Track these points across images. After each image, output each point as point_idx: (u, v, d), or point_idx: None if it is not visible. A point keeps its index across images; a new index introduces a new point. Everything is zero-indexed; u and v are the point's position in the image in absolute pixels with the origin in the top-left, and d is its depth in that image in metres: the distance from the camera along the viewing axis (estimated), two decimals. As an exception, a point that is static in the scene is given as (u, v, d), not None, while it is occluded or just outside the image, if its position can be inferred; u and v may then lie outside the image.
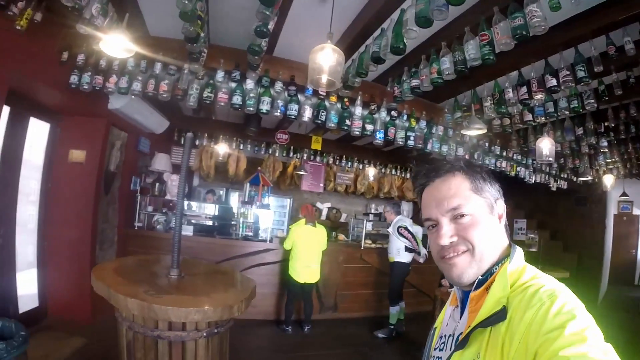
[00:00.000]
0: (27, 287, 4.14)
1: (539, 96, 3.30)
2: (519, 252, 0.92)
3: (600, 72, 2.84)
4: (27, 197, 4.15)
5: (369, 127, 4.20)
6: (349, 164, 7.70)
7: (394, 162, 8.07)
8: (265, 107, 3.78)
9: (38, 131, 4.21)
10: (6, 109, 3.39)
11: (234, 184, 7.84)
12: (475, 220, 0.90)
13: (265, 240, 5.83)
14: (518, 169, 5.45)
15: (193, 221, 6.44)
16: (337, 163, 7.66)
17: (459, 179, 0.94)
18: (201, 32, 3.05)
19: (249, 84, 3.80)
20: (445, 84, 4.03)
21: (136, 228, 5.62)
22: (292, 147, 7.31)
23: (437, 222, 0.93)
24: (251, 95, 3.75)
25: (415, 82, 3.57)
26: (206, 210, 7.39)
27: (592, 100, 3.28)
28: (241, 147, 7.00)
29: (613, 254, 8.04)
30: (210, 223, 6.76)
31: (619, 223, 8.34)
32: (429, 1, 2.37)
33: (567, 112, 3.53)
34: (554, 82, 3.09)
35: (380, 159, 7.94)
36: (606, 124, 3.99)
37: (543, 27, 2.33)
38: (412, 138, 4.43)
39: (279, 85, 3.84)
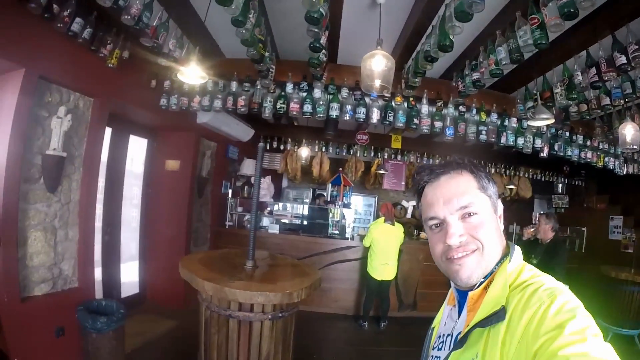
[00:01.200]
0: (129, 276, 4.96)
1: (611, 75, 3.05)
2: (517, 251, 0.92)
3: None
4: (130, 201, 4.97)
5: (438, 124, 4.19)
6: (430, 161, 7.58)
7: (477, 157, 7.73)
8: (334, 112, 4.03)
9: (138, 146, 5.02)
10: (108, 130, 4.08)
11: (320, 185, 8.22)
12: (484, 219, 0.90)
13: (347, 238, 6.13)
14: (606, 159, 4.96)
15: (284, 220, 6.93)
16: (418, 161, 7.63)
17: (466, 177, 0.93)
18: (264, 52, 3.42)
19: (317, 92, 4.08)
20: (514, 73, 3.94)
21: (227, 227, 6.26)
22: (372, 147, 7.47)
23: (444, 221, 0.91)
24: (320, 102, 4.04)
25: (476, 76, 3.57)
26: (294, 210, 7.94)
27: (674, 77, 2.98)
28: (323, 149, 7.39)
29: None
30: (297, 222, 7.26)
31: None
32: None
33: (646, 93, 3.23)
34: (623, 59, 2.85)
35: (462, 154, 7.65)
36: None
37: (590, 2, 2.24)
38: (484, 132, 4.32)
39: (345, 91, 4.05)
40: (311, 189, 8.48)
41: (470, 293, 0.89)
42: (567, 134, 4.70)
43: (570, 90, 3.53)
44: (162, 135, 5.27)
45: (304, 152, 7.10)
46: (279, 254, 4.49)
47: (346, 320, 5.51)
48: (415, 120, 4.15)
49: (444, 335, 1.00)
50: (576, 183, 8.39)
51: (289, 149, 7.42)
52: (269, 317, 2.70)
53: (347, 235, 6.29)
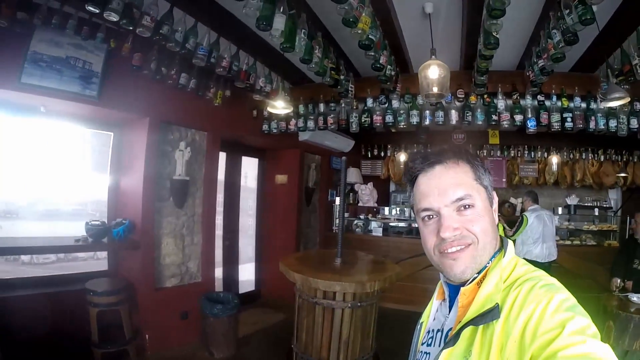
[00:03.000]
0: (246, 275, 5.91)
1: None
2: (510, 245, 0.90)
3: None
4: (246, 212, 5.99)
5: (518, 117, 4.18)
6: (531, 154, 7.16)
7: (584, 145, 7.00)
8: (414, 119, 4.37)
9: (250, 165, 6.02)
10: (223, 154, 5.05)
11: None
12: (480, 212, 0.86)
13: None
14: None
15: (392, 224, 7.21)
16: (519, 155, 7.24)
17: (463, 167, 0.89)
18: (339, 76, 3.86)
19: (395, 103, 4.48)
20: (593, 50, 3.73)
21: (334, 231, 6.80)
22: (471, 145, 7.30)
23: (438, 213, 0.87)
24: (401, 112, 4.42)
25: (541, 63, 3.44)
26: (401, 214, 8.18)
27: None
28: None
29: None
30: (403, 224, 7.41)
31: None
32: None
33: None
34: None
35: (569, 144, 7.00)
36: None
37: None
38: (569, 119, 4.09)
39: (421, 98, 4.23)
40: None
41: (462, 288, 0.87)
42: (671, 109, 4.21)
43: (647, 58, 3.22)
44: (270, 154, 6.20)
45: (403, 157, 7.39)
46: (383, 255, 4.82)
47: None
48: (494, 117, 4.20)
49: (433, 330, 0.97)
50: None
51: (389, 154, 7.81)
52: (349, 305, 3.09)
53: None
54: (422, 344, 1.00)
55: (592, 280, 5.47)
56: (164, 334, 3.96)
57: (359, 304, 3.17)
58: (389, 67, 3.68)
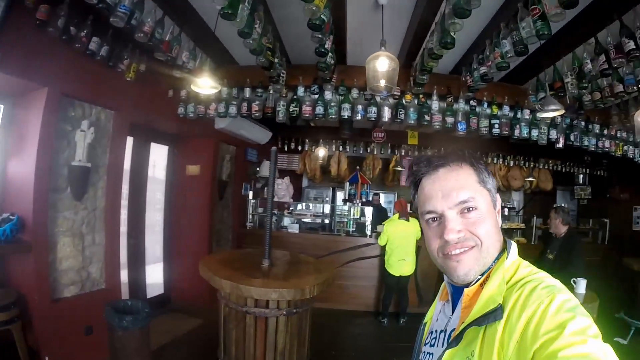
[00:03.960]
0: (154, 278, 5.21)
1: (621, 61, 2.97)
2: (514, 247, 0.89)
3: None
4: (154, 206, 5.24)
5: (449, 119, 4.20)
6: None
7: (496, 150, 7.68)
8: (346, 113, 4.11)
9: (159, 153, 5.25)
10: (130, 139, 4.34)
11: (339, 184, 8.32)
12: (483, 215, 0.87)
13: (365, 236, 6.24)
14: (625, 147, 4.83)
15: (306, 220, 7.09)
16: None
17: (466, 170, 0.90)
18: (273, 59, 3.53)
19: (328, 94, 4.18)
20: (525, 64, 3.90)
21: (248, 227, 6.46)
22: (389, 144, 7.48)
23: (442, 216, 0.87)
24: (332, 104, 4.13)
25: (483, 70, 3.54)
26: (316, 209, 8.06)
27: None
28: (341, 148, 7.48)
29: None
30: (318, 221, 7.41)
31: None
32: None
33: (658, 78, 3.17)
34: (632, 44, 2.78)
35: (481, 149, 7.57)
36: None
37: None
38: (496, 126, 4.28)
39: (355, 92, 4.12)
40: (331, 188, 8.57)
41: (466, 289, 0.87)
42: (583, 123, 4.62)
43: (580, 79, 3.47)
44: (182, 141, 5.50)
45: (322, 152, 7.22)
46: (299, 252, 4.59)
47: (366, 317, 5.61)
48: (427, 117, 4.18)
49: (436, 331, 0.98)
50: (598, 173, 8.11)
51: (306, 149, 7.55)
52: (284, 312, 2.83)
53: (364, 233, 6.39)
54: (425, 344, 1.01)
55: None
56: (66, 354, 3.22)
57: (294, 311, 2.94)
58: (329, 54, 3.41)
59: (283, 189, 6.64)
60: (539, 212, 7.60)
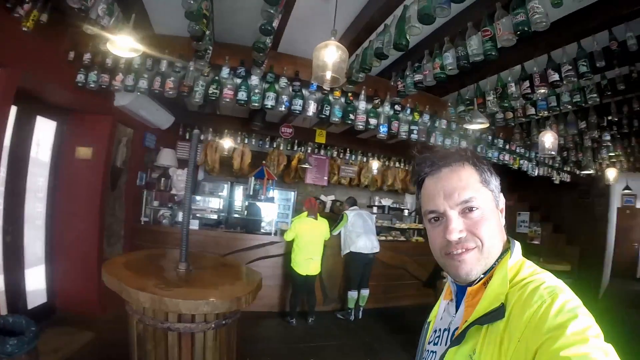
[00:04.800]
0: (35, 283, 4.23)
1: (542, 90, 3.30)
2: (517, 246, 0.90)
3: (602, 66, 2.86)
4: (35, 194, 4.23)
5: (373, 121, 4.20)
6: (353, 157, 7.68)
7: (397, 155, 8.09)
8: (270, 102, 3.81)
9: (45, 129, 4.29)
10: (13, 109, 3.44)
11: (239, 178, 7.90)
12: (485, 215, 0.87)
13: (269, 233, 5.97)
14: (521, 162, 5.46)
15: (211, 216, 6.55)
16: (341, 156, 7.64)
17: (468, 170, 0.90)
18: (206, 30, 3.07)
19: (254, 80, 3.82)
20: (449, 78, 4.08)
21: (142, 223, 5.73)
22: (296, 141, 7.32)
23: (444, 215, 0.88)
24: (256, 91, 3.78)
25: (418, 77, 3.59)
26: (211, 204, 7.57)
27: (595, 95, 3.30)
28: (246, 141, 7.04)
29: (616, 248, 7.91)
30: (214, 216, 7.01)
31: (622, 217, 8.28)
32: (432, -3, 2.41)
33: (569, 107, 3.56)
34: (556, 76, 3.11)
35: (384, 152, 7.94)
36: (609, 117, 3.99)
37: (544, 23, 2.34)
38: (415, 132, 4.45)
39: (283, 81, 3.85)
40: (229, 182, 8.10)
41: (469, 288, 0.88)
42: (490, 137, 5.03)
43: (503, 98, 3.72)
44: (74, 117, 4.55)
45: (227, 143, 6.74)
46: (201, 251, 4.23)
47: (273, 318, 5.38)
48: (351, 116, 4.13)
49: (440, 330, 0.98)
50: None
51: (209, 139, 6.96)
52: (213, 325, 2.49)
53: (268, 230, 6.15)
54: (429, 342, 1.01)
55: (404, 270, 6.61)
56: None
57: (223, 322, 2.60)
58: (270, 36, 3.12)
59: (183, 180, 6.01)
60: None
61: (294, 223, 5.30)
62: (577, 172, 6.52)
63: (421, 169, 0.94)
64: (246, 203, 7.13)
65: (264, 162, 7.13)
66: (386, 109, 4.33)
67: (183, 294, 2.34)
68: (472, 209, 0.86)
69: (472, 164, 0.90)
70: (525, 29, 2.41)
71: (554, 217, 8.64)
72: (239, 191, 8.14)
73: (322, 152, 7.61)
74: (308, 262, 5.13)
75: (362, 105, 4.17)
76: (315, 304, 5.38)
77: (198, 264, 3.18)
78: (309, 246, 5.16)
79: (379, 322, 5.65)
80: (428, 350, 0.99)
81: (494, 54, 2.73)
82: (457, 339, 0.83)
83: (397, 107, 4.37)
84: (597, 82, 3.32)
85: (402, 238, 7.20)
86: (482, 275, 0.86)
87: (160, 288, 2.36)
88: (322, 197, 8.29)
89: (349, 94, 4.14)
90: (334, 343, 4.70)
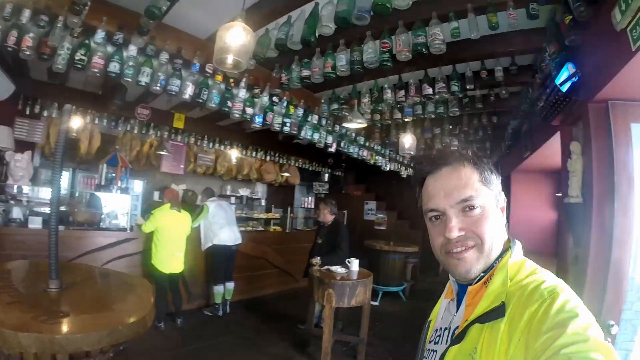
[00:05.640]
0: None
1: (416, 99, 3.70)
2: (518, 245, 0.91)
3: (471, 89, 3.38)
4: None
5: (250, 110, 4.09)
6: (211, 144, 7.19)
7: (255, 144, 7.81)
8: (144, 79, 3.33)
9: None
10: None
11: (83, 164, 6.68)
12: (485, 214, 0.88)
13: (124, 229, 5.21)
14: (377, 157, 6.06)
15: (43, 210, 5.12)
16: (198, 143, 7.06)
17: (468, 169, 0.91)
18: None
19: (132, 50, 3.25)
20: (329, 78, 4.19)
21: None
22: (152, 124, 6.29)
23: (444, 214, 0.89)
24: (130, 63, 3.24)
25: (306, 73, 3.59)
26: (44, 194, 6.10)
27: (456, 109, 3.89)
28: (96, 121, 5.77)
29: None
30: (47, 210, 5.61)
31: None
32: (353, 4, 2.45)
33: (432, 115, 4.09)
34: (430, 90, 3.55)
35: (242, 141, 7.57)
36: (461, 127, 4.75)
37: (441, 49, 2.63)
38: (288, 124, 4.51)
39: (164, 57, 3.39)
40: (71, 169, 6.73)
41: (469, 287, 0.89)
42: (353, 135, 5.42)
43: (377, 102, 4.05)
44: None
45: (76, 122, 5.44)
46: (45, 256, 3.44)
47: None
48: (229, 103, 3.94)
49: (441, 328, 0.99)
50: (337, 173, 9.93)
51: (54, 116, 5.43)
52: (111, 354, 2.04)
53: (123, 226, 5.34)
54: (430, 341, 1.02)
55: (265, 260, 6.65)
56: None
57: (121, 348, 2.17)
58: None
59: (22, 167, 4.76)
60: (280, 204, 8.62)
61: (155, 215, 4.79)
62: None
63: (422, 168, 0.97)
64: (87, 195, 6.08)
65: (117, 147, 6.17)
66: (264, 99, 4.27)
67: (77, 325, 1.86)
68: (472, 208, 0.87)
69: (473, 164, 0.92)
70: (423, 50, 2.67)
71: (398, 206, 9.91)
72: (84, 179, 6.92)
73: (180, 137, 6.79)
74: (171, 259, 4.75)
75: (242, 93, 4.00)
76: (182, 304, 5.04)
77: (67, 277, 2.53)
78: (171, 241, 4.76)
79: (249, 314, 5.63)
80: (429, 350, 1.00)
81: (389, 65, 2.93)
82: (458, 338, 0.84)
83: (275, 98, 4.33)
84: (459, 97, 3.89)
85: (261, 228, 7.23)
86: (482, 274, 0.87)
87: (42, 321, 1.80)
88: (173, 186, 7.62)
89: (231, 80, 3.92)
90: (212, 342, 4.49)
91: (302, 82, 3.68)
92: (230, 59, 2.52)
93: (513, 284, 0.81)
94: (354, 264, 4.31)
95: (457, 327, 0.89)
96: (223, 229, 5.46)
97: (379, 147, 6.03)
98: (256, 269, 6.52)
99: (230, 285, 5.57)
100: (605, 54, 2.10)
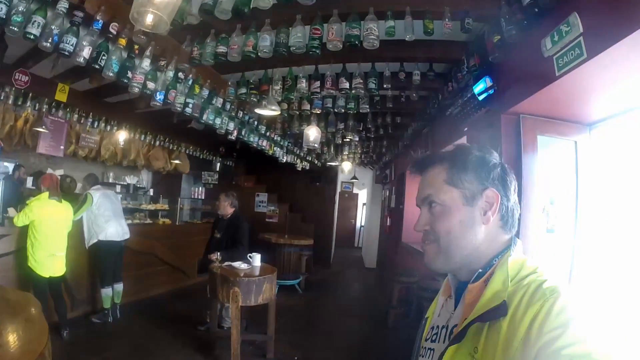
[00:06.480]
0: None
1: (331, 92, 3.74)
2: (519, 244, 0.91)
3: (388, 88, 3.56)
4: None
5: (151, 85, 3.63)
6: (96, 123, 6.11)
7: (145, 126, 6.88)
8: (34, 30, 2.70)
9: None
10: None
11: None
12: (444, 211, 0.91)
13: None
14: (275, 148, 6.00)
15: None
16: (81, 121, 5.94)
17: (437, 170, 0.96)
18: None
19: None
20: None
21: None
22: (30, 94, 5.12)
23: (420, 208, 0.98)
24: (20, 9, 2.63)
25: (222, 49, 3.36)
26: None
27: (367, 106, 4.07)
28: None
29: (338, 223, 10.41)
30: None
31: (342, 199, 11.37)
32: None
33: (342, 110, 4.18)
34: (347, 85, 3.64)
35: (131, 121, 6.58)
36: (365, 124, 4.96)
37: (375, 44, 2.70)
38: (190, 105, 4.15)
39: (62, 5, 2.78)
40: None
41: (469, 285, 0.89)
42: (256, 122, 5.30)
43: (290, 90, 3.97)
44: None
45: None
46: None
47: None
48: (129, 74, 3.45)
49: (438, 326, 0.99)
50: (228, 163, 9.48)
51: None
52: None
53: None
54: (427, 339, 1.02)
55: (153, 256, 6.10)
56: None
57: None
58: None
59: None
60: (166, 194, 7.96)
61: (31, 206, 4.03)
62: (316, 162, 7.83)
63: (414, 171, 1.04)
64: None
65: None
66: (169, 74, 3.82)
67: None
68: (432, 205, 0.93)
69: (444, 164, 0.95)
70: (356, 42, 2.72)
71: (289, 198, 9.91)
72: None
73: (61, 113, 5.62)
74: (51, 260, 4.07)
75: (145, 63, 3.52)
76: (67, 312, 4.32)
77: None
78: (51, 238, 4.08)
79: (141, 318, 5.09)
80: (425, 348, 1.01)
81: (317, 52, 2.91)
82: (458, 337, 0.83)
83: (180, 74, 3.92)
84: (371, 95, 4.06)
85: (149, 220, 6.61)
86: (482, 272, 0.88)
87: None
88: (49, 171, 6.42)
89: (136, 47, 3.44)
90: (106, 355, 3.92)
91: (216, 59, 3.41)
92: (150, 17, 2.13)
93: (514, 283, 0.81)
94: (256, 259, 4.21)
95: (455, 326, 0.90)
96: (110, 222, 4.86)
97: (279, 138, 5.99)
98: (144, 267, 5.92)
99: (119, 286, 4.98)
100: (528, 74, 2.44)
